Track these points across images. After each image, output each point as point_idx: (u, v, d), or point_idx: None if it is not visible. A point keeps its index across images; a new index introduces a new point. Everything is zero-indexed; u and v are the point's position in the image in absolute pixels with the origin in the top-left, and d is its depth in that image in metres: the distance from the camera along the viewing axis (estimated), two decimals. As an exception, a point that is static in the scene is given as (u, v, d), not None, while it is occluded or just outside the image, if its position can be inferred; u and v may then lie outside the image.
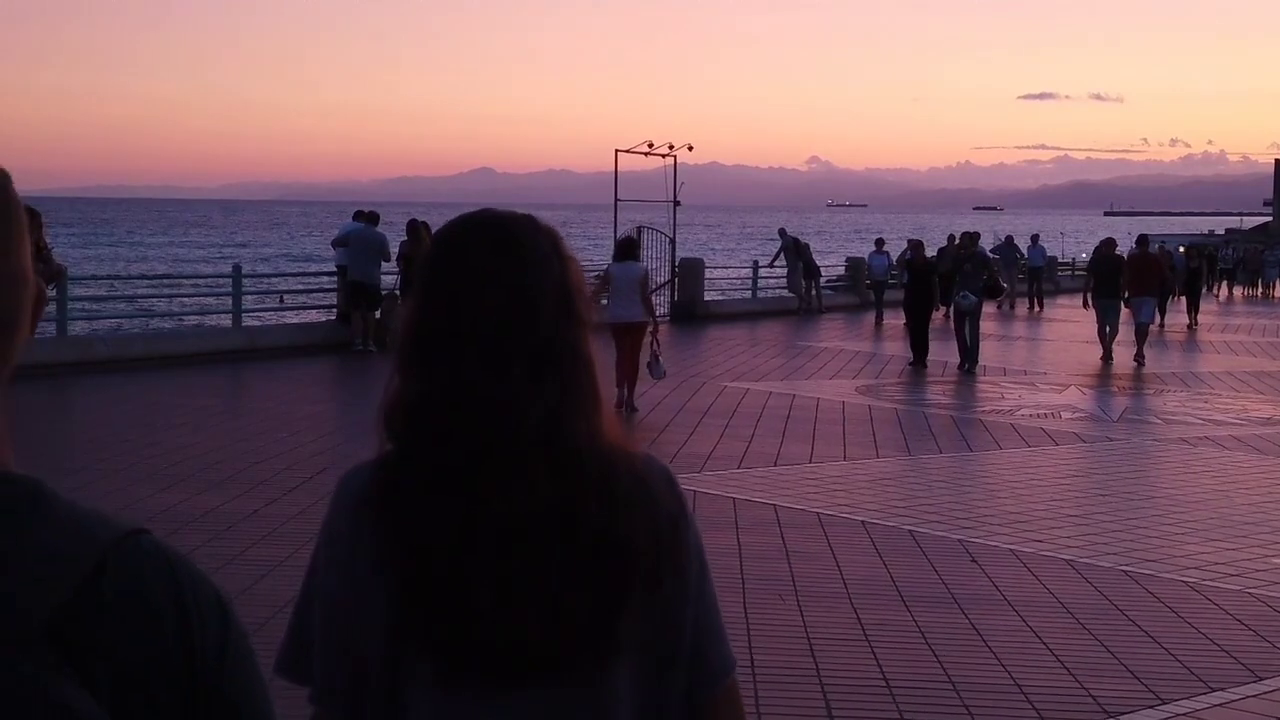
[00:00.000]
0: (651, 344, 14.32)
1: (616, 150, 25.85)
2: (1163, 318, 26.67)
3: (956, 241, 23.94)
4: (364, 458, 1.75)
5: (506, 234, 1.73)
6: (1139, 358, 20.62)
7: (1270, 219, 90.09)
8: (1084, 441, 13.17)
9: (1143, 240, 22.77)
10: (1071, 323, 29.05)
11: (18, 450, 1.18)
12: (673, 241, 26.80)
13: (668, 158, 26.83)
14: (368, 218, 20.38)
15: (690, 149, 26.83)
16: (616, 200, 25.94)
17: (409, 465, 1.67)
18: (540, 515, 1.64)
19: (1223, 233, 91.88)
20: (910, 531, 8.94)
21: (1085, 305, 22.09)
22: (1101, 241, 21.68)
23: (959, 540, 8.74)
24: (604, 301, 15.68)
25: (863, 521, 9.21)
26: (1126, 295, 20.71)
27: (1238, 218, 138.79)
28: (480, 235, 1.73)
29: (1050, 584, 7.73)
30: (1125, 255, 22.47)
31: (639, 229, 25.83)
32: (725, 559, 8.04)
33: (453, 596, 1.62)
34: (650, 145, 26.38)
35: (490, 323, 1.67)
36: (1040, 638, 6.72)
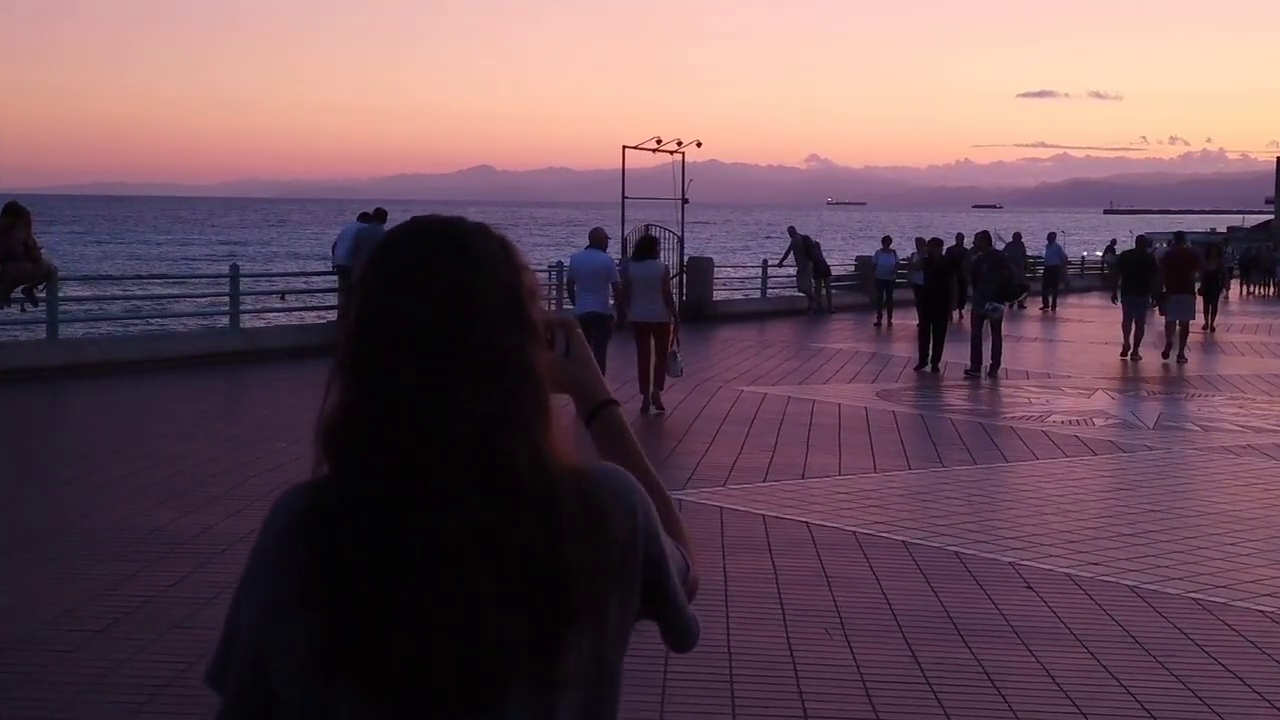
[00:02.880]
0: (671, 341, 14.04)
1: (624, 147, 25.24)
2: (1211, 316, 26.75)
3: (972, 243, 23.29)
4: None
5: (452, 236, 1.64)
6: (1181, 356, 20.61)
7: (1272, 217, 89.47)
8: (1123, 451, 12.54)
9: (1180, 237, 22.37)
10: (1086, 323, 28.50)
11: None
12: (681, 240, 26.21)
13: (675, 155, 26.26)
14: (374, 217, 19.77)
15: (699, 145, 26.28)
16: (624, 198, 25.32)
17: (339, 487, 1.58)
18: (468, 536, 1.54)
19: (1224, 231, 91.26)
20: (956, 553, 8.32)
21: (1115, 301, 21.97)
22: (1135, 239, 21.37)
23: (1010, 563, 8.11)
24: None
25: (904, 542, 8.58)
26: (1163, 292, 20.63)
27: (1239, 216, 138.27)
28: (424, 237, 1.64)
29: (1116, 614, 7.11)
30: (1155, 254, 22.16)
31: (646, 227, 25.26)
32: (762, 585, 7.44)
33: (373, 623, 1.53)
34: (658, 142, 25.81)
35: (429, 327, 1.57)
36: (1115, 676, 6.10)
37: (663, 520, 1.74)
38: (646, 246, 14.54)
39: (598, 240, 14.60)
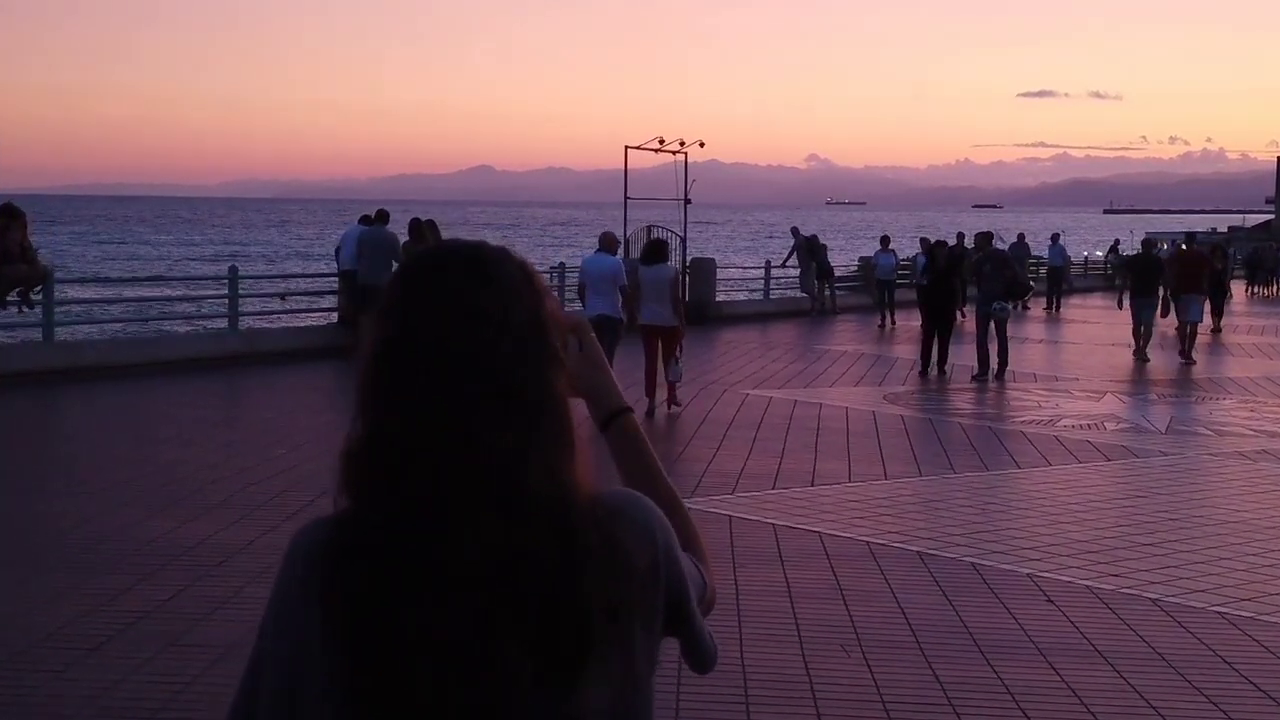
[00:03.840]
0: (675, 346, 14.12)
1: (626, 147, 25.05)
2: (1219, 318, 26.44)
3: (973, 243, 23.05)
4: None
5: (474, 261, 1.62)
6: (1189, 358, 20.55)
7: (1272, 217, 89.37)
8: (1136, 456, 12.33)
9: (1191, 238, 22.27)
10: (1091, 324, 28.29)
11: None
12: (683, 240, 26.00)
13: (678, 155, 26.06)
14: (378, 218, 19.53)
15: (702, 145, 26.08)
16: (627, 198, 25.12)
17: (360, 518, 1.56)
18: (486, 566, 1.51)
19: (1224, 231, 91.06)
20: (973, 564, 8.12)
21: (1120, 306, 21.85)
22: (1141, 241, 21.30)
23: (1028, 575, 7.91)
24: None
25: (918, 552, 8.38)
26: (1173, 293, 20.63)
27: (1239, 215, 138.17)
28: (447, 261, 1.62)
29: (1140, 629, 6.91)
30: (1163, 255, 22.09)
31: (649, 228, 25.07)
32: (774, 599, 7.24)
33: (392, 653, 1.51)
34: (661, 141, 25.61)
35: (452, 353, 1.55)
36: (1144, 696, 5.90)
37: (678, 533, 1.71)
38: (656, 251, 14.53)
39: (607, 244, 14.58)
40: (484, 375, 1.55)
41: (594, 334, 1.84)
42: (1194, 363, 20.46)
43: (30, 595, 7.09)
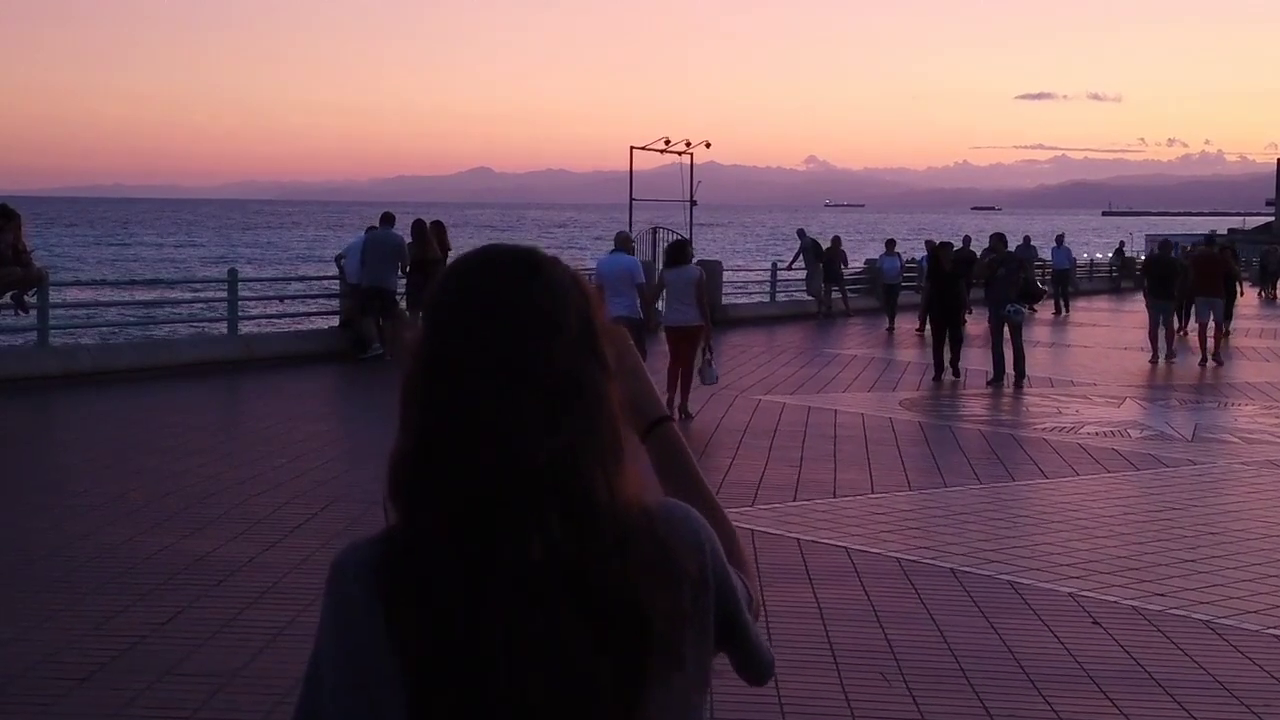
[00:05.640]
0: (704, 349, 13.86)
1: (632, 148, 24.71)
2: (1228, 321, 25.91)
3: (988, 245, 22.67)
4: (361, 535, 1.57)
5: (528, 264, 1.59)
6: (1217, 359, 20.33)
7: (1272, 219, 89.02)
8: (1165, 465, 11.93)
9: (1209, 239, 22.03)
10: (1100, 327, 27.97)
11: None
12: (689, 242, 25.66)
13: (684, 155, 25.74)
14: (383, 221, 19.15)
15: (708, 146, 25.78)
16: (632, 199, 24.78)
17: (413, 530, 1.51)
18: (552, 569, 1.47)
19: (1224, 233, 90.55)
20: (1010, 582, 7.73)
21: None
22: (1158, 244, 21.03)
23: (1070, 594, 7.52)
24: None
25: (952, 569, 7.99)
26: (1192, 296, 20.45)
27: (1239, 218, 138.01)
28: (498, 261, 1.59)
29: (1194, 653, 6.52)
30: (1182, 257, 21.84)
31: (654, 229, 24.75)
32: (806, 622, 6.86)
33: (467, 666, 1.46)
34: (667, 142, 25.28)
35: (503, 351, 1.52)
36: (1207, 731, 5.52)
37: (723, 544, 1.67)
38: (679, 252, 14.35)
39: (622, 243, 14.38)
40: (535, 377, 1.52)
41: (632, 342, 1.74)
42: (1221, 363, 20.29)
43: (18, 618, 6.69)
